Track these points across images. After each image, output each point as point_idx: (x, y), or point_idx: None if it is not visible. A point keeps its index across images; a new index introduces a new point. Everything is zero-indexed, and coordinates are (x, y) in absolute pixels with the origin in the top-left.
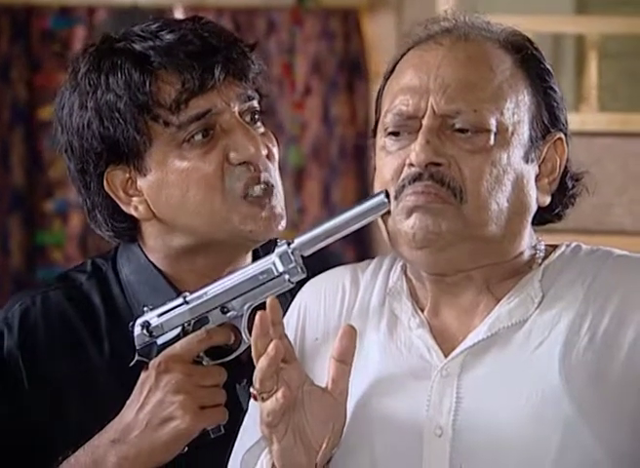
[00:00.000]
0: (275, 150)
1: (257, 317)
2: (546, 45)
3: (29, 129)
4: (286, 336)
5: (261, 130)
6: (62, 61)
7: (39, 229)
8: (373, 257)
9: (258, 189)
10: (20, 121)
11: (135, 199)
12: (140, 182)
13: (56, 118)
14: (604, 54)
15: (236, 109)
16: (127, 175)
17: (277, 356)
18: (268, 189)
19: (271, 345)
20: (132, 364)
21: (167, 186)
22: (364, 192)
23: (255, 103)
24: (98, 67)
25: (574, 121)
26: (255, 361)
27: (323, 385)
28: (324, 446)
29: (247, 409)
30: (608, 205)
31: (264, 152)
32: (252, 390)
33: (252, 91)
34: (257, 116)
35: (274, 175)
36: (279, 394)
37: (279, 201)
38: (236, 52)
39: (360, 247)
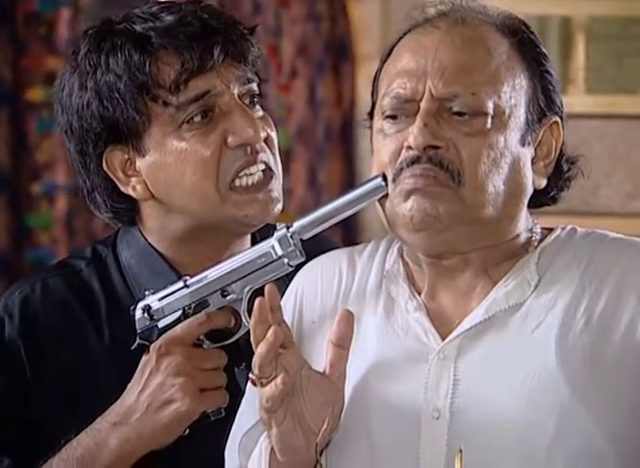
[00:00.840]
0: (274, 134)
1: (255, 303)
2: (532, 27)
3: (15, 111)
4: (284, 322)
5: (260, 113)
6: (48, 43)
7: (26, 211)
8: (359, 241)
9: (254, 169)
10: (6, 103)
11: (133, 179)
12: (139, 163)
13: (56, 99)
14: (591, 36)
15: (235, 91)
16: (126, 156)
17: (276, 342)
18: (266, 171)
19: (270, 331)
20: (133, 347)
21: (165, 167)
22: (350, 174)
23: (254, 86)
24: (97, 48)
25: None
26: (254, 347)
27: (321, 369)
28: (323, 429)
29: (245, 392)
30: (595, 186)
31: (263, 135)
32: (250, 375)
33: (251, 73)
34: (256, 99)
35: (272, 158)
36: (278, 380)
37: (277, 185)
38: (236, 34)
39: (347, 231)
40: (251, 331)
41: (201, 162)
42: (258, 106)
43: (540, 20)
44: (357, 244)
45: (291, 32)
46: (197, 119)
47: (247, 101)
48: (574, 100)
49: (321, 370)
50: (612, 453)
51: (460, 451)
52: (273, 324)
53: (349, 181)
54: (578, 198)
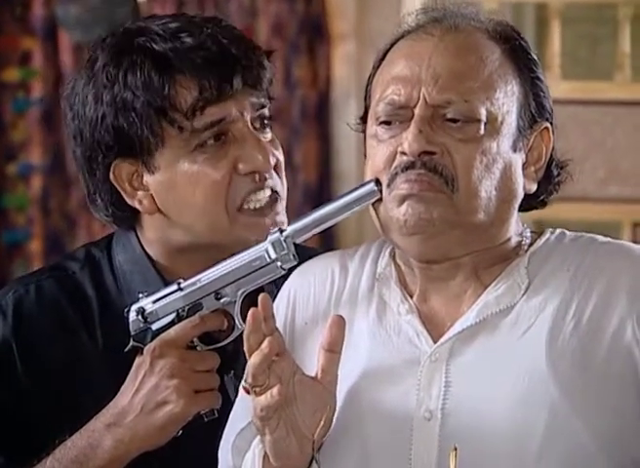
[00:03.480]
0: (281, 158)
1: (249, 313)
2: (507, 13)
3: None
4: (277, 330)
5: (269, 136)
6: (23, 24)
7: (2, 192)
8: (336, 246)
9: (261, 195)
10: None
11: (140, 193)
12: (147, 178)
13: (67, 104)
14: (566, 21)
15: (248, 118)
16: (134, 169)
17: (271, 353)
18: (273, 196)
19: (265, 342)
20: (127, 349)
21: (175, 187)
22: (326, 153)
23: (266, 111)
24: (117, 62)
25: None
26: (247, 356)
27: (312, 371)
28: (316, 434)
29: (234, 399)
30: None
31: (273, 161)
32: (243, 384)
33: (264, 99)
34: (266, 122)
35: (279, 182)
36: (274, 391)
37: (282, 207)
38: (254, 61)
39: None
40: (244, 341)
41: (211, 185)
42: (267, 129)
43: (516, 7)
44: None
45: (266, 12)
46: (210, 142)
47: (258, 125)
48: (549, 86)
49: (313, 375)
50: (601, 455)
51: (455, 450)
52: (267, 333)
53: (325, 161)
54: None
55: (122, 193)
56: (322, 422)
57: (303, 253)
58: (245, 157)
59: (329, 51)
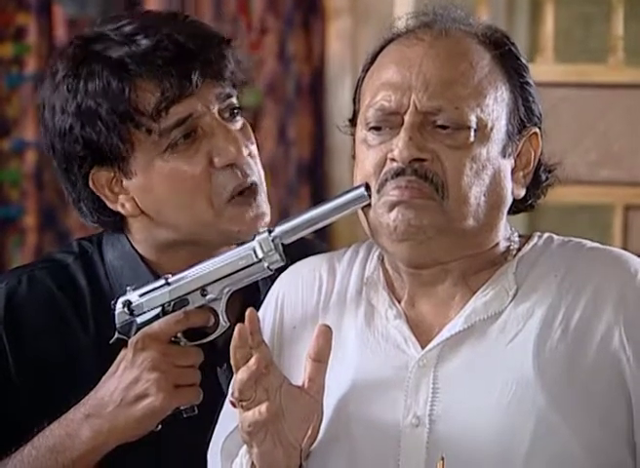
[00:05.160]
0: (254, 147)
1: (235, 329)
2: None
3: None
4: (264, 342)
5: (239, 125)
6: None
7: None
8: (330, 243)
9: (246, 193)
10: None
11: (121, 197)
12: (126, 183)
13: (40, 116)
14: (560, 2)
15: (215, 110)
16: (112, 175)
17: (258, 370)
18: (253, 188)
19: (252, 360)
20: (112, 341)
21: (153, 188)
22: (320, 129)
23: (233, 100)
24: (75, 72)
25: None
26: (234, 370)
27: (301, 375)
28: (303, 444)
29: (227, 392)
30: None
31: (246, 152)
32: (230, 398)
33: (230, 88)
34: (235, 111)
35: (257, 172)
36: (262, 408)
37: (263, 198)
38: (213, 53)
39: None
40: (231, 356)
41: (190, 181)
42: (238, 117)
43: None
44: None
45: None
46: (180, 141)
47: (227, 115)
48: (542, 69)
49: (300, 384)
50: (587, 460)
51: (442, 459)
52: (253, 346)
53: (319, 137)
54: None
55: (104, 199)
56: (309, 432)
57: (302, 248)
58: (217, 150)
59: (324, 26)
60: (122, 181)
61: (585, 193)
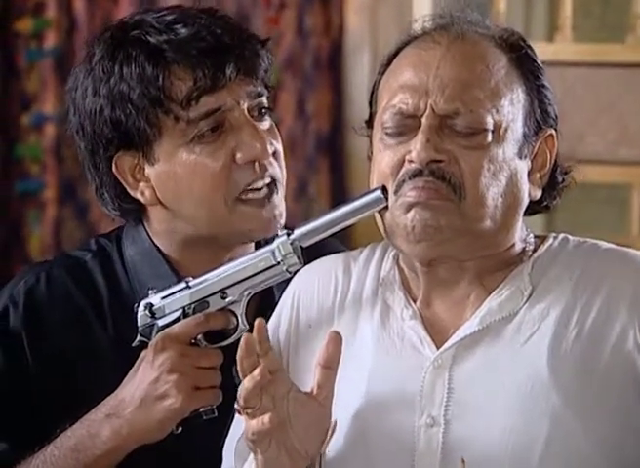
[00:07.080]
0: (280, 147)
1: (242, 338)
2: None
3: (4, 42)
4: (272, 349)
5: (267, 125)
6: None
7: (16, 142)
8: (352, 242)
9: (261, 184)
10: None
11: (142, 184)
12: (148, 170)
13: (69, 97)
14: None
15: (245, 107)
16: (135, 161)
17: (262, 380)
18: (272, 185)
19: (257, 370)
20: (134, 344)
21: (174, 178)
22: (338, 102)
23: (263, 100)
24: (112, 56)
25: (547, 51)
26: (241, 378)
27: (308, 389)
28: (310, 451)
29: None
30: (581, 134)
31: (271, 150)
32: (236, 406)
33: (261, 87)
34: (264, 111)
35: (279, 170)
36: (266, 419)
37: (280, 199)
38: (248, 50)
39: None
40: (238, 365)
41: (210, 175)
42: (266, 117)
43: None
44: None
45: None
46: (207, 133)
47: (255, 113)
48: (560, 49)
49: (308, 389)
50: (602, 461)
51: (463, 461)
52: (261, 355)
53: (338, 110)
54: (563, 145)
55: (125, 185)
56: (319, 438)
57: (318, 248)
58: (242, 146)
59: (342, 0)
60: (144, 169)
61: (603, 173)
